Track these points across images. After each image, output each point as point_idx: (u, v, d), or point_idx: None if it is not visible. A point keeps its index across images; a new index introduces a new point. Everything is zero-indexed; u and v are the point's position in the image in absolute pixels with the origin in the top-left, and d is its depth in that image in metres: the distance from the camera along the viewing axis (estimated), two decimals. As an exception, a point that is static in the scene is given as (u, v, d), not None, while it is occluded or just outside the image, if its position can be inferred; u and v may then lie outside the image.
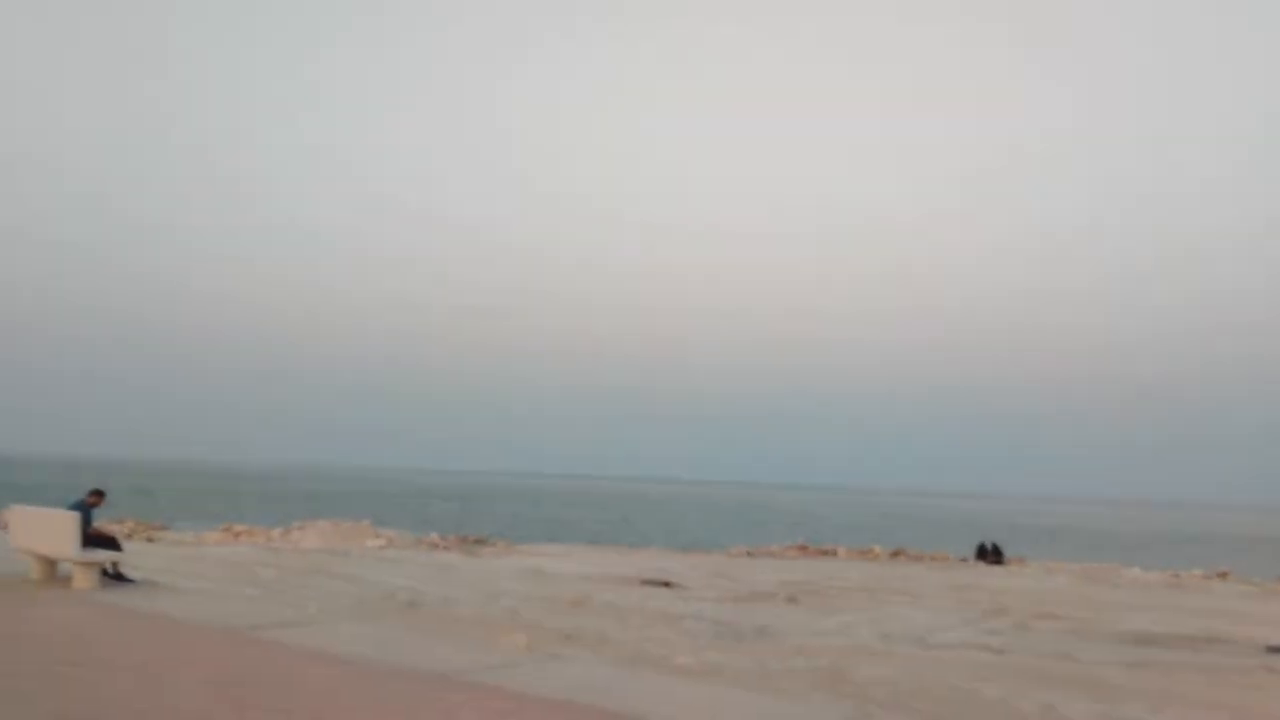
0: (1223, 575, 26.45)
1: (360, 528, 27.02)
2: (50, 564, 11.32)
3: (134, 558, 12.95)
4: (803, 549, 31.54)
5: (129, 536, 21.59)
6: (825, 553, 31.11)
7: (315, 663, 7.05)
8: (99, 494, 11.83)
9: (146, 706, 5.58)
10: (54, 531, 10.81)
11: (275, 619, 9.31)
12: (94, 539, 11.11)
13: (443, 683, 6.50)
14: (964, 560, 30.54)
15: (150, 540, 23.61)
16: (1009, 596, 17.84)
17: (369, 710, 5.67)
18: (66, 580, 11.00)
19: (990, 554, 30.43)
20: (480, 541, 28.91)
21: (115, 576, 11.27)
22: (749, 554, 30.05)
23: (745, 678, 8.59)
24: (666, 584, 17.18)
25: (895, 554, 31.36)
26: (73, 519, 10.58)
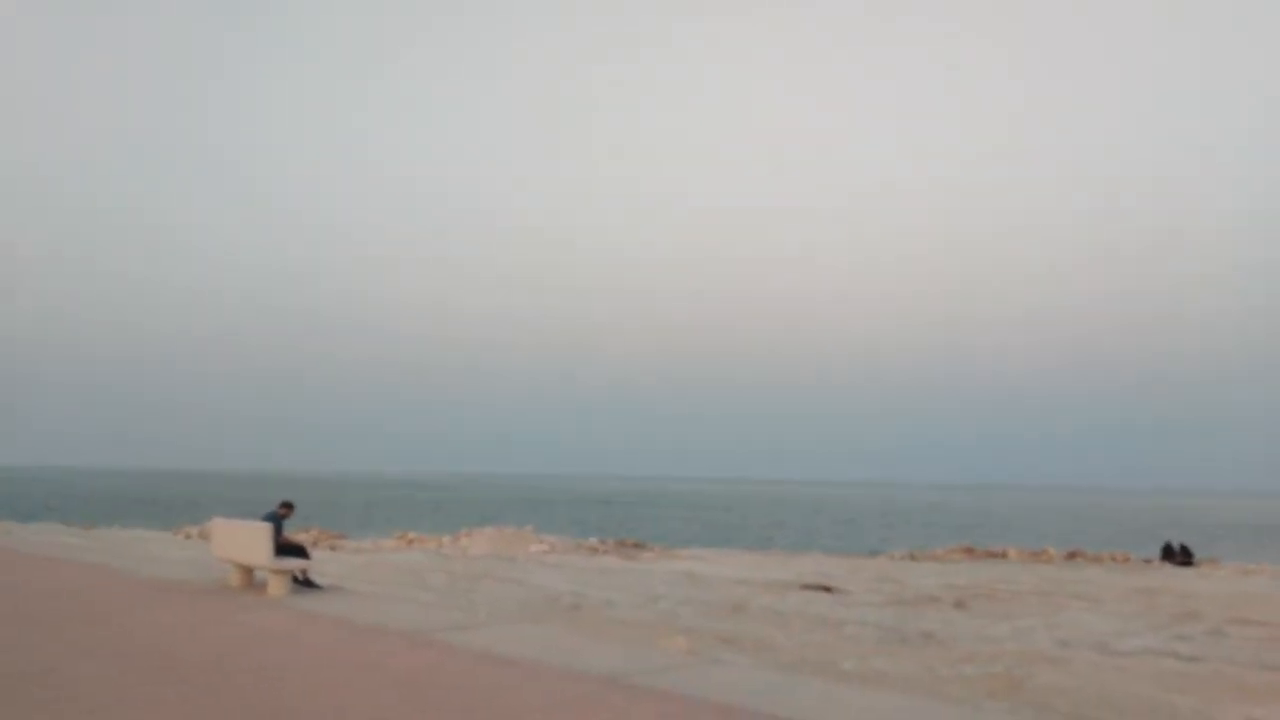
0: None
1: (523, 534, 27.91)
2: (248, 571, 12.27)
3: (319, 565, 13.85)
4: (969, 551, 30.39)
5: (314, 545, 23.10)
6: (994, 555, 29.87)
7: (488, 664, 7.36)
8: (288, 506, 12.72)
9: (340, 704, 5.99)
10: (250, 541, 11.72)
11: (448, 622, 9.77)
12: (285, 548, 11.95)
13: (609, 684, 6.66)
14: (1148, 562, 28.68)
15: (333, 548, 25.16)
16: (1200, 600, 16.61)
17: (541, 711, 5.87)
18: (262, 586, 11.90)
19: (1178, 554, 28.45)
20: (638, 546, 29.33)
21: (305, 583, 12.10)
22: (911, 557, 29.21)
23: (913, 684, 8.38)
24: (826, 589, 16.93)
25: (1071, 555, 29.79)
26: (266, 530, 11.44)
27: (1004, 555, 29.78)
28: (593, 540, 29.79)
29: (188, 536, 27.31)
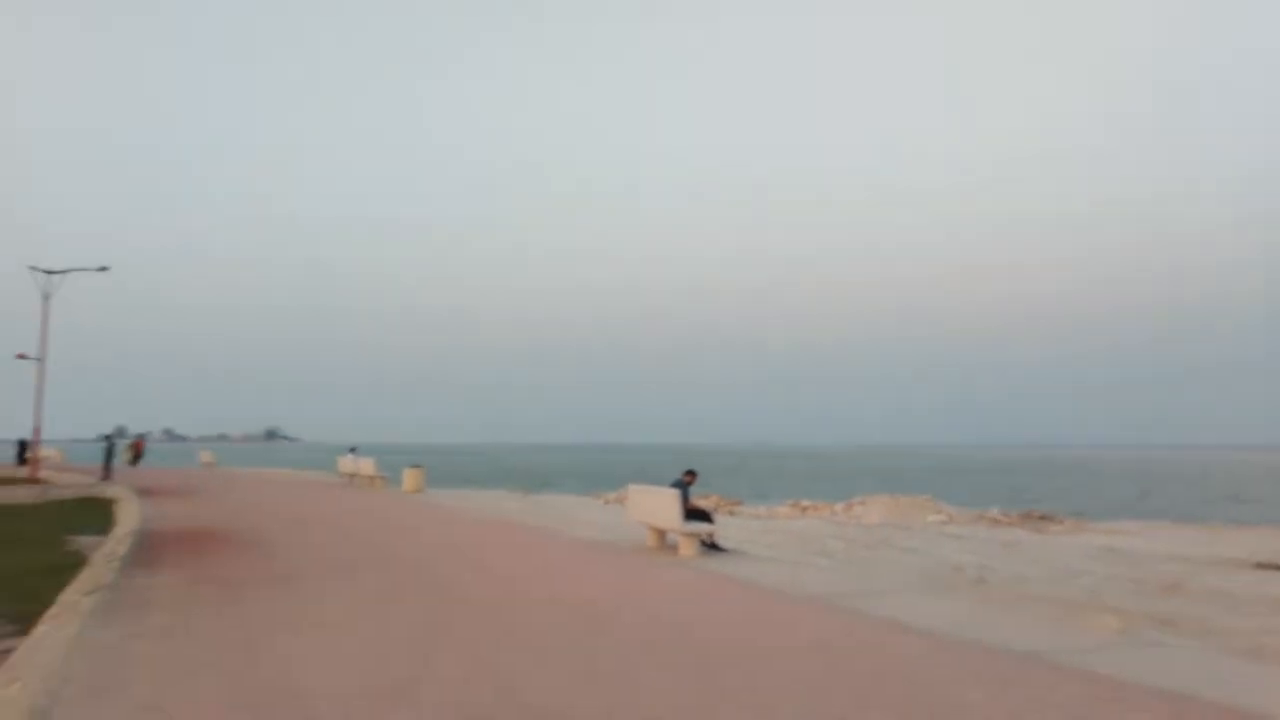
0: None
1: (919, 502, 27.21)
2: (660, 534, 13.33)
3: (721, 530, 14.62)
4: None
5: (714, 510, 24.40)
6: None
7: (897, 633, 7.33)
8: (692, 474, 13.61)
9: (754, 661, 6.32)
10: (661, 506, 12.72)
11: (850, 589, 9.85)
12: (691, 513, 12.81)
13: (1029, 661, 6.33)
14: None
15: (731, 514, 26.42)
16: None
17: (956, 683, 5.74)
18: (674, 549, 12.85)
19: None
20: (1046, 518, 27.29)
21: (711, 546, 12.88)
22: (1405, 535, 24.05)
23: None
24: (1288, 568, 14.54)
25: None
26: (675, 495, 12.35)
27: None
28: (994, 511, 28.22)
29: (606, 502, 30.18)
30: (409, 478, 28.32)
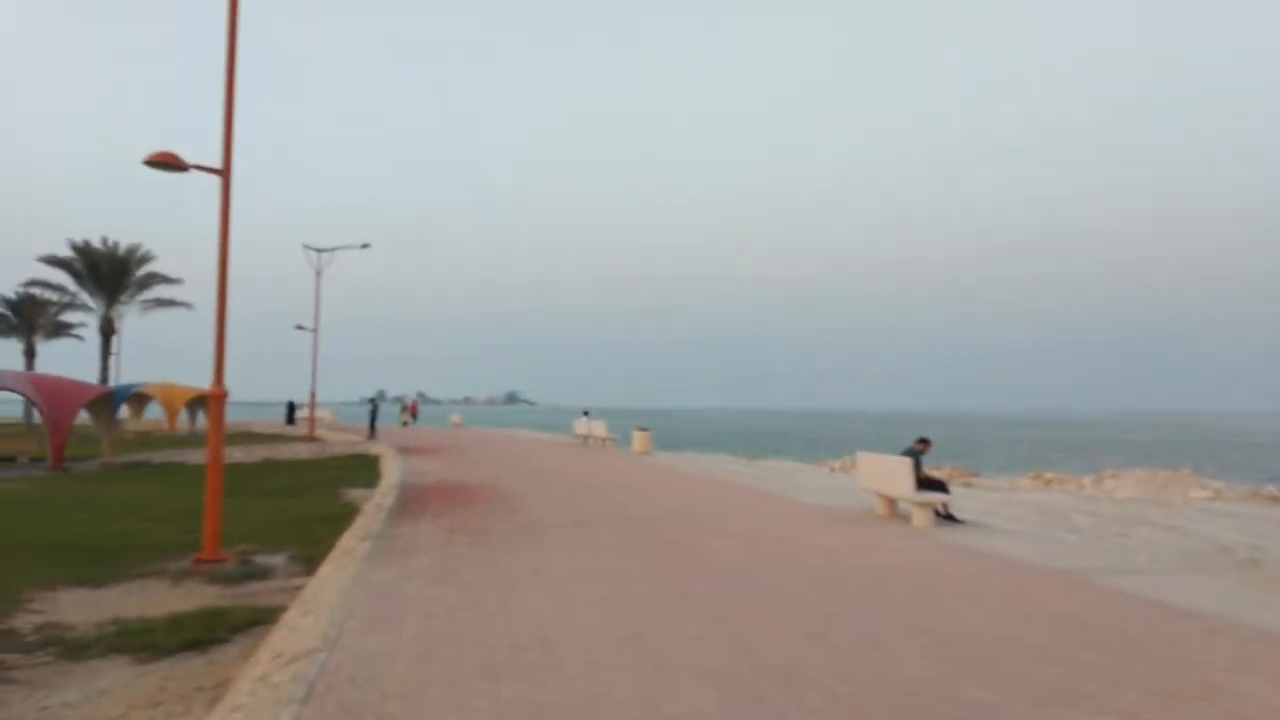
0: None
1: (1180, 477, 24.92)
2: (891, 503, 13.04)
3: (956, 501, 14.10)
4: None
5: (948, 481, 23.51)
6: None
7: (1154, 612, 6.82)
8: (925, 442, 13.19)
9: (997, 633, 6.10)
10: (892, 474, 12.44)
11: (1103, 565, 9.24)
12: (924, 482, 12.44)
13: (1316, 652, 5.71)
14: None
15: (966, 485, 25.33)
16: None
17: (1230, 668, 5.29)
18: (906, 518, 12.55)
19: None
20: (1338, 496, 24.15)
21: (946, 517, 12.47)
22: None
23: None
24: None
25: None
26: (906, 463, 12.03)
27: None
28: (1271, 488, 25.32)
29: (831, 470, 29.81)
30: (637, 440, 29.24)
